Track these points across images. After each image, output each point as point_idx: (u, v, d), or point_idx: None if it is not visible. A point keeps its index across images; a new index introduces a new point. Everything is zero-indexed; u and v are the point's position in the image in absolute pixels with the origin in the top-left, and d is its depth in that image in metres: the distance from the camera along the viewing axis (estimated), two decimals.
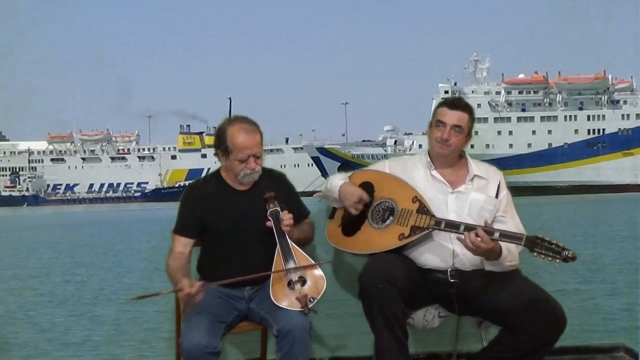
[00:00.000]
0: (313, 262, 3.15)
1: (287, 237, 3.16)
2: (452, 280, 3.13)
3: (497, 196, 3.24)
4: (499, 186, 3.26)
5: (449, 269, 3.14)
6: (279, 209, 3.20)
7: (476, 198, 3.20)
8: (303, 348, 3.01)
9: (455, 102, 3.30)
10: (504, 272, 3.14)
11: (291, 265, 3.11)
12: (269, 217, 3.18)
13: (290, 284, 3.09)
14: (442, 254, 3.15)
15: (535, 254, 2.94)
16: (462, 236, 3.02)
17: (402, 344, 3.07)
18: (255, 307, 3.20)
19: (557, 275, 3.29)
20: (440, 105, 3.32)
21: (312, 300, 3.05)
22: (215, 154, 3.33)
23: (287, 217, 3.18)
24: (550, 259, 2.91)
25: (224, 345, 3.32)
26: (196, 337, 2.96)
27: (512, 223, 3.18)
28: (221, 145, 3.26)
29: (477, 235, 2.98)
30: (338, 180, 3.36)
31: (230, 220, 3.23)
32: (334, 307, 3.62)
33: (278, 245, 3.15)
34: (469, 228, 3.02)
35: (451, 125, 3.22)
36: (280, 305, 3.05)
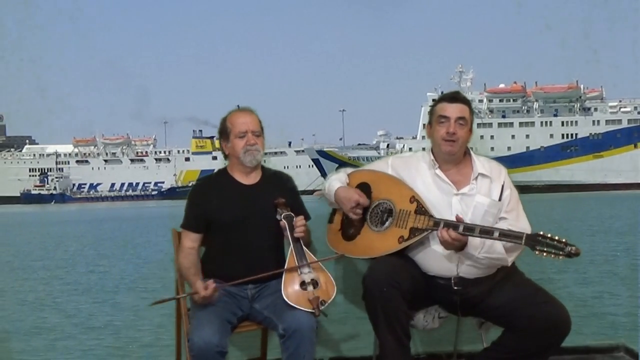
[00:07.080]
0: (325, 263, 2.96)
1: (300, 241, 2.96)
2: (455, 288, 2.86)
3: (501, 197, 2.90)
4: (503, 186, 2.93)
5: (453, 277, 2.85)
6: (293, 215, 2.99)
7: (481, 202, 2.86)
8: (310, 347, 2.81)
9: (455, 96, 2.98)
10: (507, 275, 2.88)
11: (305, 269, 2.90)
12: (284, 220, 2.98)
13: (302, 284, 2.88)
14: (446, 263, 2.85)
15: (537, 252, 2.62)
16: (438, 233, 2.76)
17: (405, 346, 2.84)
18: (258, 307, 2.98)
19: (533, 265, 3.21)
20: (439, 101, 2.98)
21: (323, 303, 2.84)
22: (222, 152, 3.13)
23: (300, 224, 2.98)
24: (552, 255, 2.59)
25: None
26: (208, 335, 2.75)
27: (512, 222, 2.85)
28: (223, 133, 3.09)
29: (449, 233, 2.72)
30: (336, 182, 3.06)
31: (236, 214, 3.00)
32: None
33: (292, 248, 2.94)
34: (468, 229, 2.73)
35: (455, 118, 2.89)
36: (293, 305, 2.83)
